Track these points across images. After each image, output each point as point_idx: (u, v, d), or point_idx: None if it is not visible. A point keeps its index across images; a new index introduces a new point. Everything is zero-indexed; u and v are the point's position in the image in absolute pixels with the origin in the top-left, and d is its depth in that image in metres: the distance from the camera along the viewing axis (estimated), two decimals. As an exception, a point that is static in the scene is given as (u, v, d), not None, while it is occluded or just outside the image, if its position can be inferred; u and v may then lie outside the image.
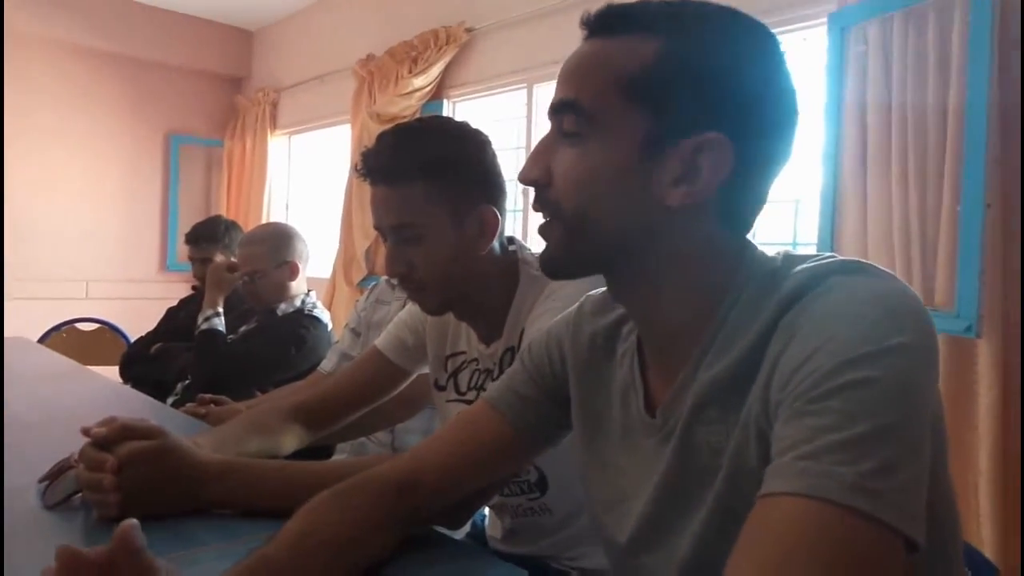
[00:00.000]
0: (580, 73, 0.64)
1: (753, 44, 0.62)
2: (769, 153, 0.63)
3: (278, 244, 2.13)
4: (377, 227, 1.10)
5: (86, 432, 0.88)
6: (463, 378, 1.19)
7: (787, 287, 0.58)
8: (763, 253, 0.65)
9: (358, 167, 1.06)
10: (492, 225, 1.07)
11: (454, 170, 1.05)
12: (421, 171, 1.03)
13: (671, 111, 0.60)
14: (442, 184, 1.04)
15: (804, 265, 0.60)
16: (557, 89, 0.65)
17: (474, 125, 1.14)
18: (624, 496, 0.70)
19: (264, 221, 4.64)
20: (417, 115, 3.60)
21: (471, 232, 1.06)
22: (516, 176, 0.70)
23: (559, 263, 0.68)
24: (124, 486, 0.83)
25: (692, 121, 0.60)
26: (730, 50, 0.61)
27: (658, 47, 0.60)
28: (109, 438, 0.86)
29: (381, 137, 1.07)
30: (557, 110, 0.65)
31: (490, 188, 1.08)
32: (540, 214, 0.68)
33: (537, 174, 0.66)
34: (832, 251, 2.09)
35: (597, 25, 0.64)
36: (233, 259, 2.41)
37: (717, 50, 0.60)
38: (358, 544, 0.74)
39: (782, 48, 0.63)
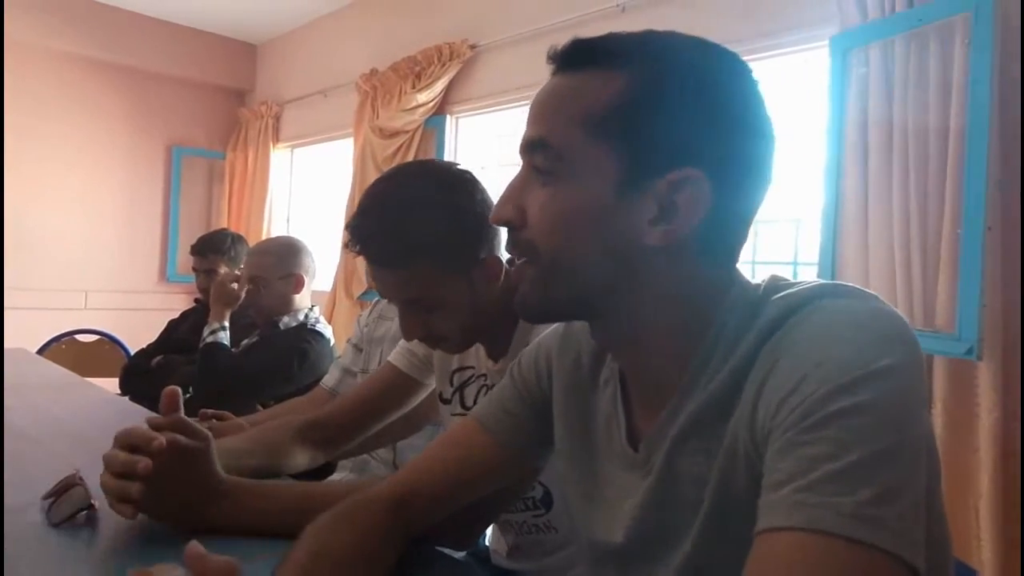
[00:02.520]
0: (547, 110, 0.62)
1: (724, 73, 0.60)
2: (748, 182, 0.61)
3: (285, 256, 2.14)
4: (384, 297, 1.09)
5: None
6: (469, 392, 1.19)
7: (768, 313, 0.58)
8: (748, 282, 0.64)
9: (348, 245, 1.03)
10: (497, 270, 1.06)
11: (449, 237, 1.02)
12: (419, 252, 1.00)
13: (643, 149, 0.58)
14: (442, 255, 1.02)
15: (785, 292, 0.59)
16: (527, 126, 0.64)
17: (457, 162, 1.10)
18: (604, 524, 0.70)
19: (264, 233, 4.65)
20: (420, 131, 3.62)
21: (480, 284, 1.06)
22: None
23: (534, 307, 0.65)
24: (155, 475, 0.82)
25: (666, 158, 0.58)
26: (700, 82, 0.59)
27: (625, 83, 0.59)
28: (161, 425, 0.86)
29: (367, 214, 1.02)
30: (527, 148, 0.63)
31: (485, 233, 1.06)
32: (514, 256, 0.66)
33: (510, 214, 0.64)
34: (833, 271, 2.10)
35: (563, 60, 0.63)
36: (238, 271, 2.43)
37: (686, 83, 0.58)
38: (367, 561, 0.74)
39: (754, 75, 0.62)
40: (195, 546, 0.50)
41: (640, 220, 0.59)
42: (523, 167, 0.65)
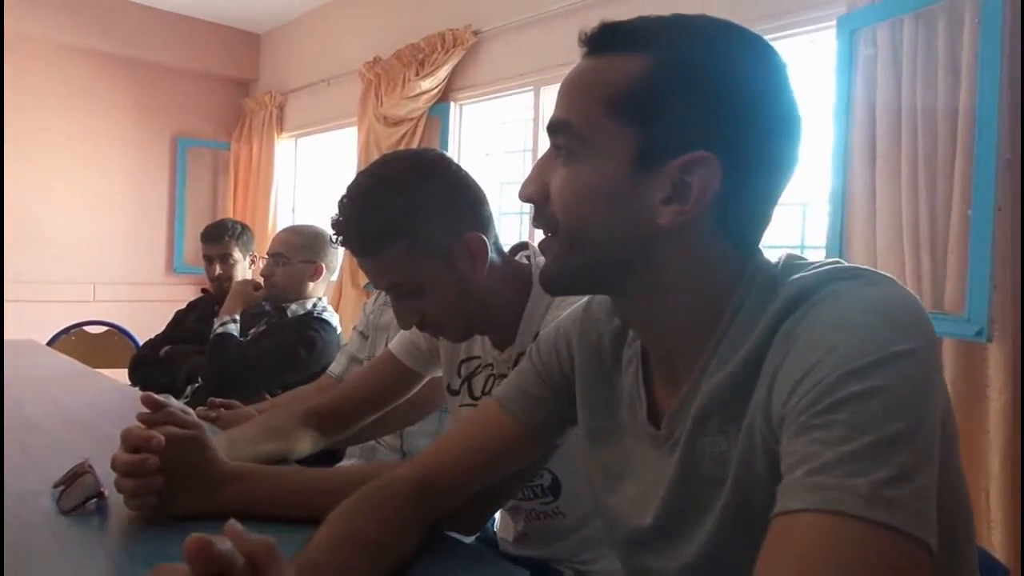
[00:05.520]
0: (572, 92, 0.64)
1: (748, 58, 0.61)
2: (766, 166, 0.62)
3: (312, 242, 2.19)
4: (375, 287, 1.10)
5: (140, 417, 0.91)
6: (477, 383, 1.19)
7: (784, 295, 0.58)
8: (767, 260, 0.65)
9: (333, 240, 1.06)
10: (481, 249, 1.05)
11: (423, 218, 1.02)
12: (392, 235, 1.01)
13: (659, 129, 0.60)
14: (417, 236, 1.02)
15: (802, 273, 0.60)
16: (555, 107, 0.66)
17: (428, 149, 1.12)
18: (630, 503, 0.71)
19: (270, 223, 4.68)
20: (424, 118, 3.61)
21: (464, 265, 1.05)
22: (517, 193, 0.71)
23: (556, 279, 0.68)
24: (160, 469, 0.85)
25: (680, 139, 0.59)
26: (721, 67, 0.60)
27: (646, 65, 0.60)
28: (154, 420, 0.89)
29: (341, 207, 1.06)
30: (552, 129, 0.66)
31: (465, 212, 1.06)
32: (541, 231, 0.68)
33: (532, 191, 0.67)
34: (841, 255, 2.09)
35: (591, 43, 0.65)
36: (252, 255, 2.59)
37: (707, 68, 0.60)
38: (390, 546, 0.76)
39: (782, 59, 0.62)
40: (234, 524, 0.50)
41: (653, 199, 0.61)
42: (550, 147, 0.67)
